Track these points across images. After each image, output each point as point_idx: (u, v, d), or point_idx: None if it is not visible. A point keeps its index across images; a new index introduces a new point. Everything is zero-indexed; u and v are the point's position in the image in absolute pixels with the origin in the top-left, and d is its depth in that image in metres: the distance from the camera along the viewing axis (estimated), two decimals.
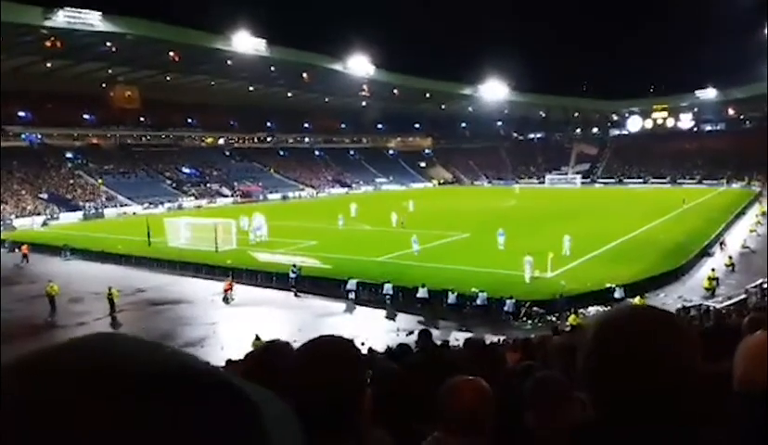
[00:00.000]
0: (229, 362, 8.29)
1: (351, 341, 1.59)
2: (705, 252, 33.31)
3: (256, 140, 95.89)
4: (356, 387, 1.45)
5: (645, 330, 1.05)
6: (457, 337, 18.79)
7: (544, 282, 26.19)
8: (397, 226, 42.73)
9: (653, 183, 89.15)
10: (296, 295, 27.11)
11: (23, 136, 70.01)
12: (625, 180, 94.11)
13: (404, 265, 30.02)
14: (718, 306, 20.88)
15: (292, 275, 27.58)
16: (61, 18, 55.98)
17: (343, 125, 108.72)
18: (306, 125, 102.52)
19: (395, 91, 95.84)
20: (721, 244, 35.30)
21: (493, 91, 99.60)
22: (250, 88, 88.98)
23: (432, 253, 33.12)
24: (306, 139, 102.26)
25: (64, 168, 69.58)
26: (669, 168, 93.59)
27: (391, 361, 5.61)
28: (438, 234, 38.61)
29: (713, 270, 27.10)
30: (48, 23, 56.04)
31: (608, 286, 24.33)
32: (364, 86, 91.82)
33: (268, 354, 2.00)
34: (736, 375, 1.83)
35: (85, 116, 76.74)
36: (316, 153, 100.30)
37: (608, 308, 23.40)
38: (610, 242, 34.50)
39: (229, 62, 73.57)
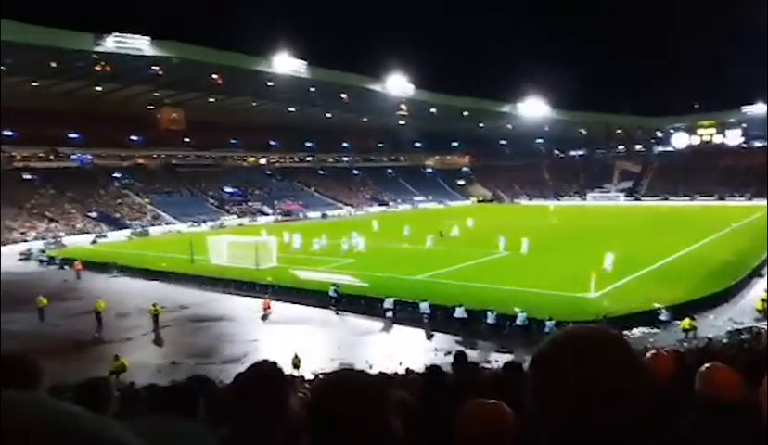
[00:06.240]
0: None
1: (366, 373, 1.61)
2: (757, 272, 32.06)
3: (296, 159, 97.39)
4: (381, 414, 1.44)
5: (581, 354, 0.96)
6: (497, 359, 18.54)
7: (588, 302, 25.63)
8: (442, 237, 46.17)
9: (700, 200, 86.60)
10: (336, 313, 27.26)
11: (74, 157, 72.70)
12: (671, 197, 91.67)
13: (442, 284, 29.84)
14: None
15: (333, 295, 27.80)
16: (111, 43, 58.34)
17: (381, 144, 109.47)
18: (345, 144, 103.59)
19: (433, 110, 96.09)
20: None
21: (533, 108, 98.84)
22: (291, 109, 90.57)
23: (470, 272, 32.83)
24: (345, 158, 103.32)
25: (112, 187, 71.93)
26: (716, 185, 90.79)
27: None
28: (476, 252, 38.25)
29: (766, 291, 26.05)
30: (99, 49, 58.47)
31: (655, 306, 23.65)
32: (402, 105, 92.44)
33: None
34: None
35: (133, 137, 79.32)
36: (355, 172, 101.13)
37: (655, 329, 22.82)
38: (657, 262, 33.54)
39: (270, 84, 75.19)
